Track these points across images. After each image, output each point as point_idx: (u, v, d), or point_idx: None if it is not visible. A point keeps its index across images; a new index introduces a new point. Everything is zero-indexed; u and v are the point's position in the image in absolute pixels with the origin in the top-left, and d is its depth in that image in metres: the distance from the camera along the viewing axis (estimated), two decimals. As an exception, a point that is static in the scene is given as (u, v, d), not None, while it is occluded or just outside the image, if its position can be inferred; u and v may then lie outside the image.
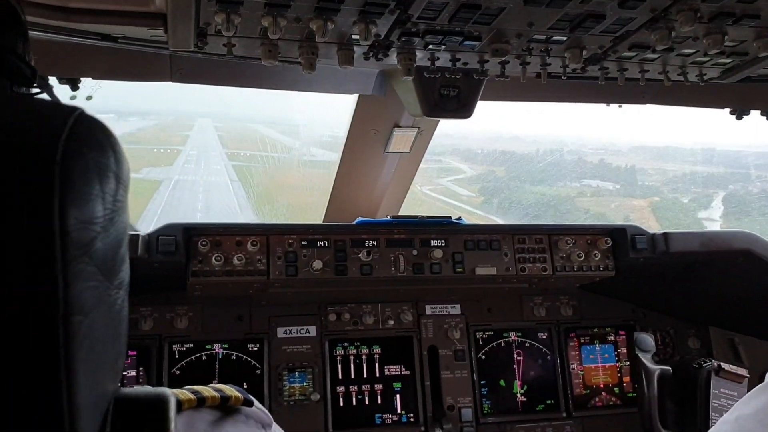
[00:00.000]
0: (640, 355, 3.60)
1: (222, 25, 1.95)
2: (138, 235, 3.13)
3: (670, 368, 3.62)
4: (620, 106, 3.43)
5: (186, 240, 3.24)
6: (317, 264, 3.34)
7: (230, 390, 1.38)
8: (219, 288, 3.38)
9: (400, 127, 3.46)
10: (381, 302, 3.96)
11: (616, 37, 2.21)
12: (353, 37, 2.14)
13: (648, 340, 3.65)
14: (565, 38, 2.20)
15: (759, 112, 3.22)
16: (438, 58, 2.36)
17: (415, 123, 3.47)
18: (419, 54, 2.30)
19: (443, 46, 2.22)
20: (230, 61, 2.42)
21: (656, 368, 3.58)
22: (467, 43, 2.19)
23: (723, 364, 3.49)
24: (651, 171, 15.70)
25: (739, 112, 3.22)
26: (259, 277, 3.31)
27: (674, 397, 3.79)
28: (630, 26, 2.11)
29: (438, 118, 3.16)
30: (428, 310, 4.03)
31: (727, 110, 3.26)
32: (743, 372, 3.52)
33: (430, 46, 2.21)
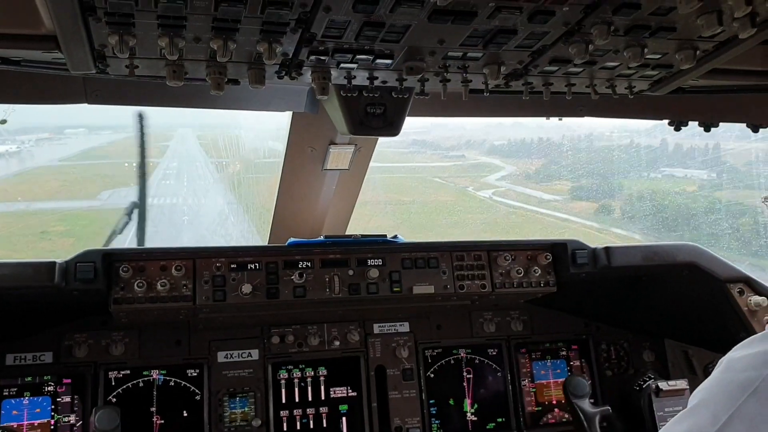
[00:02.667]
0: (575, 402, 3.54)
1: (116, 47, 1.86)
2: (54, 263, 3.03)
3: (609, 408, 3.57)
4: (560, 119, 3.39)
5: (106, 266, 3.14)
6: (247, 288, 3.24)
7: None
8: (145, 315, 3.28)
9: (336, 144, 3.38)
10: (327, 322, 3.87)
11: (533, 52, 2.15)
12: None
13: (582, 383, 3.59)
14: (480, 54, 2.13)
15: (697, 123, 3.18)
16: (354, 77, 2.28)
17: (351, 140, 3.40)
18: (334, 73, 2.23)
19: (355, 65, 2.14)
20: (148, 81, 2.34)
21: (595, 412, 3.53)
22: (380, 61, 2.13)
23: (660, 384, 3.46)
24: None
25: (677, 124, 3.19)
26: (185, 303, 3.21)
27: (622, 418, 3.75)
28: (545, 40, 2.06)
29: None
30: (376, 328, 3.95)
31: (666, 122, 3.23)
32: (683, 385, 3.49)
33: (342, 65, 2.14)
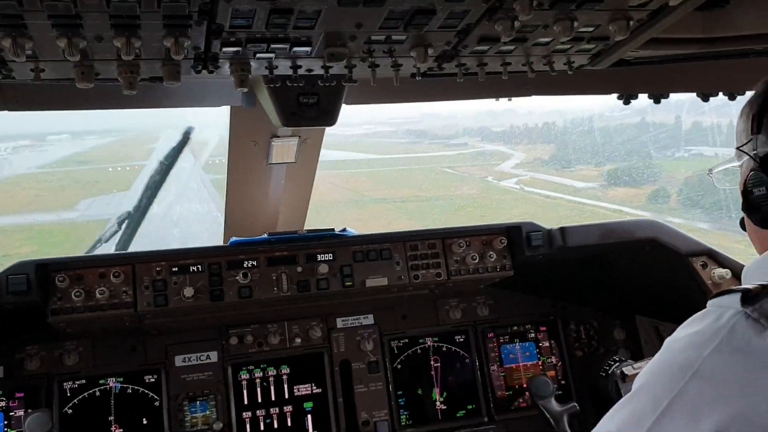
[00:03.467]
0: (541, 403, 3.47)
1: (10, 50, 1.76)
2: None
3: (575, 404, 3.51)
4: (509, 100, 3.30)
5: (41, 277, 3.03)
6: (189, 291, 3.15)
7: None
8: (88, 324, 3.18)
9: (278, 137, 3.28)
10: (287, 320, 3.79)
11: (459, 32, 2.07)
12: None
13: (545, 383, 3.52)
14: (404, 37, 2.04)
15: (646, 95, 3.11)
16: (277, 66, 2.19)
17: (294, 132, 3.30)
18: (254, 64, 2.13)
19: (273, 54, 2.05)
20: (68, 84, 2.23)
21: (562, 410, 3.47)
22: (298, 49, 2.03)
23: (625, 369, 3.40)
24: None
25: (626, 97, 3.11)
26: (126, 309, 3.12)
27: (593, 402, 3.70)
28: (468, 19, 1.97)
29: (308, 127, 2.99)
30: (339, 323, 3.87)
31: (614, 96, 3.15)
32: None
33: (259, 56, 2.05)
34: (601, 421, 1.86)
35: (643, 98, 3.14)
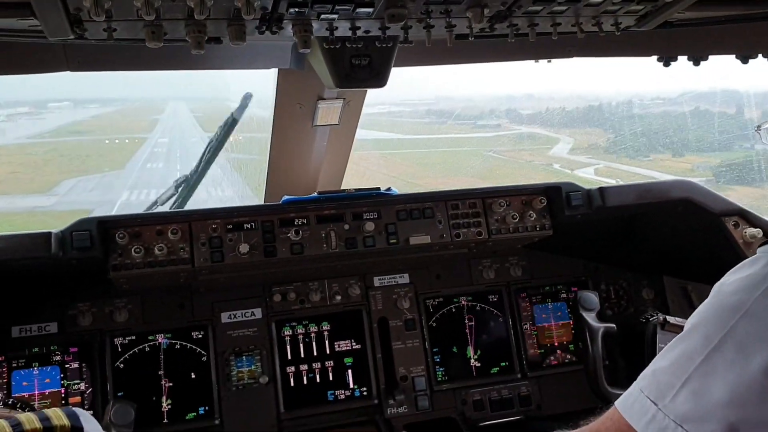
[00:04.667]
0: (583, 314, 3.59)
1: (92, 10, 1.83)
2: (50, 233, 3.03)
3: (614, 325, 3.61)
4: (549, 62, 3.35)
5: (102, 234, 3.14)
6: (244, 247, 3.25)
7: (59, 418, 1.30)
8: (145, 280, 3.30)
9: (324, 99, 3.36)
10: (327, 278, 3.90)
11: None
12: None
13: (591, 298, 3.63)
14: None
15: (686, 57, 3.15)
16: (336, 28, 2.25)
17: (339, 94, 3.37)
18: (315, 25, 2.20)
19: (336, 15, 2.12)
20: (129, 45, 2.31)
21: (600, 326, 3.57)
22: (361, 10, 2.10)
23: (668, 318, 3.49)
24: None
25: (666, 60, 3.15)
26: (183, 266, 3.23)
27: (623, 353, 3.80)
28: None
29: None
30: (376, 281, 3.98)
31: (654, 58, 3.19)
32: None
33: (323, 16, 2.11)
34: (654, 360, 1.95)
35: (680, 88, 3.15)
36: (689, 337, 1.82)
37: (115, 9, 1.92)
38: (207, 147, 4.24)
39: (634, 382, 1.96)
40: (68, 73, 2.76)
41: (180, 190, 4.23)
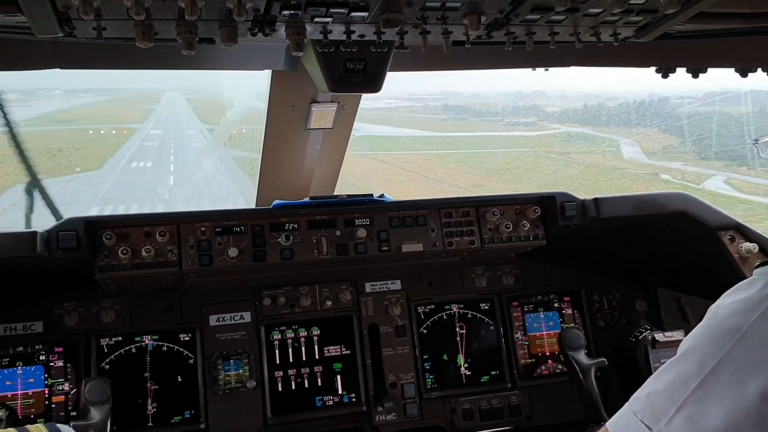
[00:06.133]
0: (571, 354, 3.53)
1: (80, 8, 1.80)
2: (36, 232, 2.99)
3: (604, 359, 3.56)
4: (546, 70, 3.32)
5: (89, 234, 3.09)
6: (233, 251, 3.21)
7: None
8: (132, 281, 3.25)
9: (318, 102, 3.32)
10: (318, 283, 3.86)
11: (513, 0, 2.09)
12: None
13: (576, 335, 3.58)
14: (459, 4, 2.07)
15: (685, 69, 3.12)
16: (331, 31, 2.22)
17: (334, 98, 3.33)
18: (309, 28, 2.16)
19: (330, 19, 2.08)
20: (120, 43, 2.27)
21: (591, 363, 3.51)
22: (356, 14, 2.06)
23: (657, 336, 3.46)
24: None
25: (665, 71, 3.12)
26: (171, 268, 3.18)
27: (618, 375, 3.76)
28: None
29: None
30: (368, 287, 3.94)
31: (653, 69, 3.16)
32: (679, 336, 3.49)
33: (317, 19, 2.08)
34: (646, 382, 1.92)
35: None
36: (684, 361, 1.79)
37: (104, 8, 1.88)
38: None
39: (627, 404, 1.93)
40: (58, 68, 2.72)
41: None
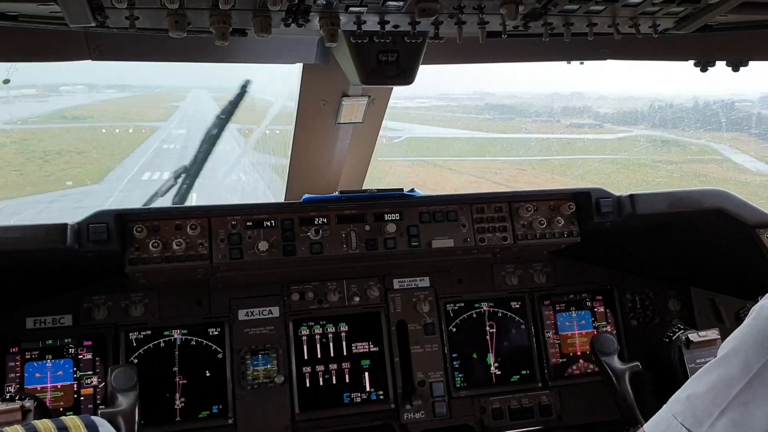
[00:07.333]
0: (604, 359, 3.45)
1: (114, -5, 1.79)
2: (66, 225, 2.99)
3: (638, 364, 3.48)
4: (582, 63, 3.27)
5: (120, 227, 3.09)
6: (263, 245, 3.19)
7: (77, 427, 1.25)
8: (163, 275, 3.25)
9: (348, 96, 3.29)
10: (346, 279, 3.83)
11: None
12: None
13: (610, 340, 3.50)
14: None
15: (724, 62, 3.04)
16: (365, 22, 2.19)
17: (364, 92, 3.30)
18: (343, 18, 2.14)
19: (365, 8, 2.05)
20: (152, 34, 2.26)
21: (624, 368, 3.43)
22: (391, 3, 2.03)
23: (690, 336, 3.38)
24: None
25: (704, 64, 3.05)
26: (201, 261, 3.17)
27: (653, 378, 3.67)
28: None
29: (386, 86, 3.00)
30: (396, 284, 3.90)
31: (691, 62, 3.09)
32: (714, 335, 3.41)
33: (351, 9, 2.05)
34: (685, 384, 1.87)
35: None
36: (727, 362, 1.74)
37: (138, -4, 1.87)
38: (203, 138, 4.15)
39: (665, 405, 1.88)
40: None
41: (180, 181, 4.16)
